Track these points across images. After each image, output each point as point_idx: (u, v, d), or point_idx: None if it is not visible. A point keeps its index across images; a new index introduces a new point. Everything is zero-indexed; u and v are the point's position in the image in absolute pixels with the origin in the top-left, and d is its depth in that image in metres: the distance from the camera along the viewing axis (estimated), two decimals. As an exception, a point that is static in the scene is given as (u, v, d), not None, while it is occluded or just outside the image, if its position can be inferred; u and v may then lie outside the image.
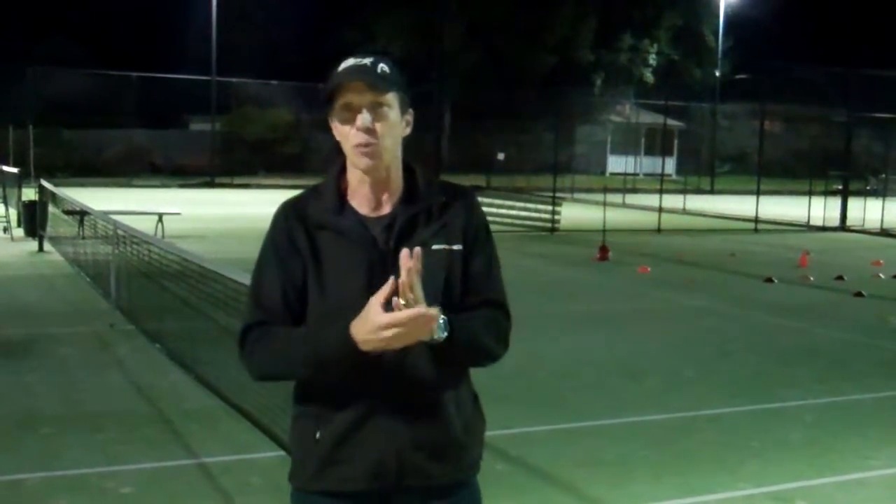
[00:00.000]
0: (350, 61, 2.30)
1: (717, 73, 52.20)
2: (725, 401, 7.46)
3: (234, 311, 7.08)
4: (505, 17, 49.17)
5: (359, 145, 2.26)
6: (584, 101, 47.87)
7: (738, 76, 48.93)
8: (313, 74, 44.96)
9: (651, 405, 7.28)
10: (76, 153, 37.79)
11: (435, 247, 2.32)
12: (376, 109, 2.26)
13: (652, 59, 55.97)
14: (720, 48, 53.71)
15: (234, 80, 42.32)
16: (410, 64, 46.57)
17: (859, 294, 13.01)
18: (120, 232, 10.15)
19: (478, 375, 2.48)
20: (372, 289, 2.19)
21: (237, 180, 37.77)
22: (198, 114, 43.83)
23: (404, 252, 2.12)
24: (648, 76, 55.30)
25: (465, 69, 47.81)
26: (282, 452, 5.71)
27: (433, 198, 2.38)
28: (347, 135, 2.28)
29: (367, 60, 2.29)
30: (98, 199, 20.02)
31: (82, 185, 30.05)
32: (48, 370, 7.82)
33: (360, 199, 2.35)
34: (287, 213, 2.38)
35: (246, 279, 6.04)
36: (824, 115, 36.62)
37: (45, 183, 16.65)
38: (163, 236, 15.59)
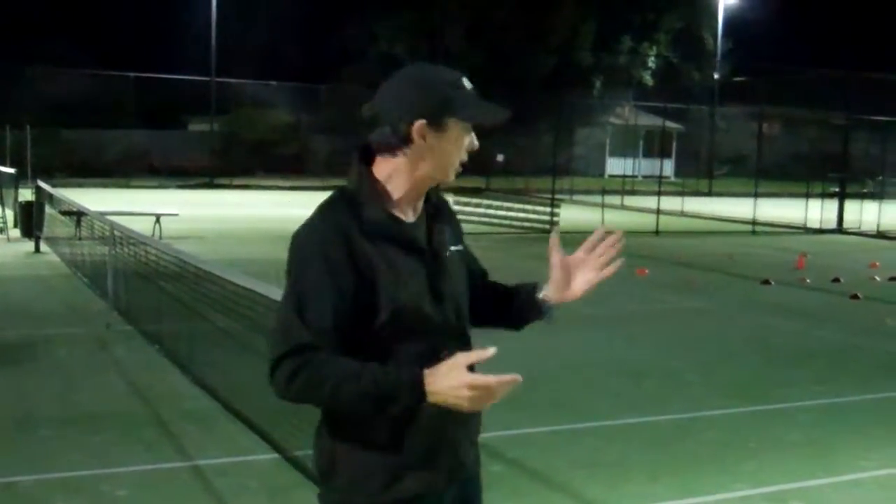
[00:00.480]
0: (468, 83, 2.33)
1: (716, 76, 52.24)
2: (723, 402, 7.46)
3: (232, 312, 7.09)
4: (506, 19, 49.21)
5: (460, 164, 2.34)
6: (583, 103, 47.89)
7: (736, 79, 49.03)
8: (313, 75, 45.30)
9: (649, 406, 7.28)
10: (75, 154, 37.73)
11: (454, 249, 2.42)
12: None
13: (651, 62, 56.02)
14: (719, 51, 53.75)
15: (233, 80, 42.31)
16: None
17: (856, 296, 13.01)
18: (116, 233, 10.14)
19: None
20: (436, 298, 2.28)
21: (236, 181, 37.77)
22: (197, 114, 43.81)
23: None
24: (648, 79, 55.35)
25: (466, 71, 47.75)
26: (278, 455, 5.72)
27: (436, 204, 2.43)
28: (459, 151, 2.33)
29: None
30: (95, 199, 20.01)
31: (81, 185, 30.04)
32: (45, 371, 7.82)
33: (402, 206, 2.32)
34: (339, 223, 2.21)
35: (244, 281, 6.05)
36: (822, 117, 36.62)
37: (41, 183, 16.64)
38: (160, 237, 15.58)
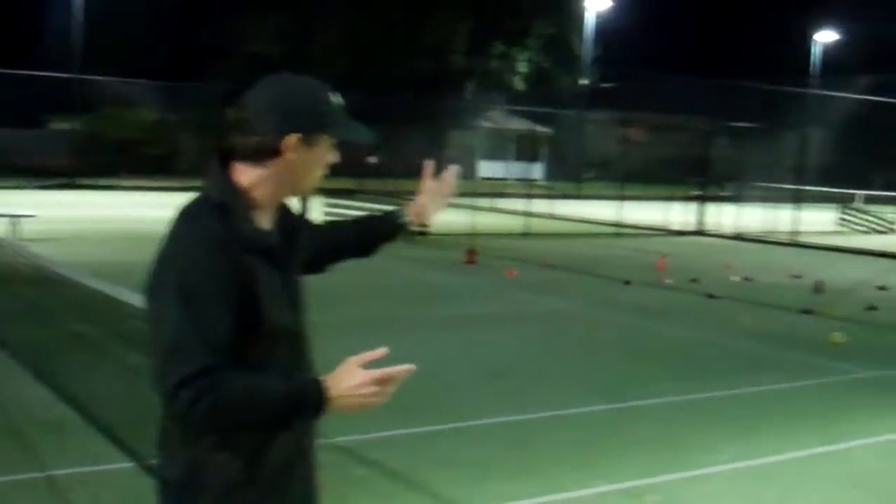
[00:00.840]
0: (340, 99, 2.34)
1: (585, 82, 53.35)
2: (583, 400, 7.64)
3: (87, 316, 6.91)
4: (378, 21, 49.20)
5: (320, 177, 2.36)
6: (455, 106, 48.28)
7: (604, 85, 50.19)
8: (180, 74, 44.29)
9: (510, 406, 7.40)
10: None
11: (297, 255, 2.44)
12: None
13: (522, 67, 56.86)
14: (588, 57, 54.92)
15: (95, 77, 41.04)
16: (281, 65, 46.22)
17: (712, 296, 13.51)
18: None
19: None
20: (294, 307, 2.31)
21: (100, 182, 36.66)
22: (58, 113, 42.35)
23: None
24: (519, 83, 56.16)
25: (337, 72, 47.62)
26: (133, 464, 5.60)
27: (287, 209, 2.45)
28: (323, 166, 2.34)
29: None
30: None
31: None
32: None
33: (262, 217, 2.29)
34: (218, 236, 2.15)
35: (100, 285, 5.90)
36: (685, 123, 37.88)
37: None
38: (16, 239, 15.02)
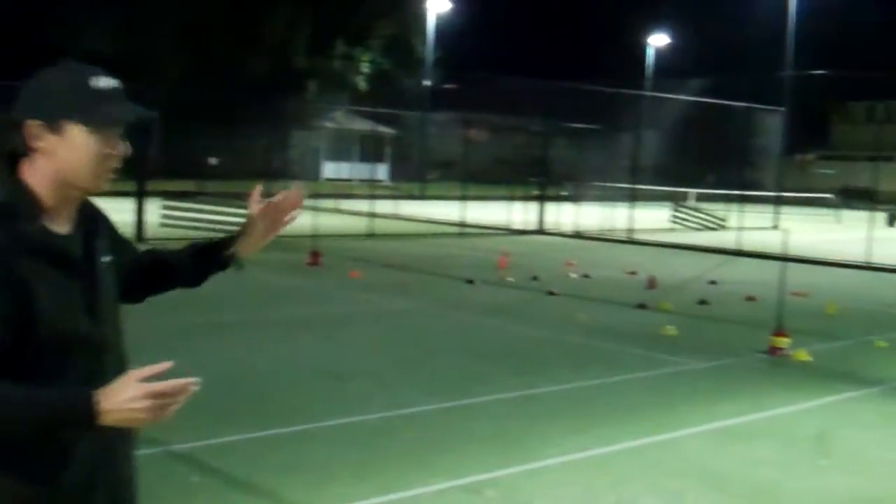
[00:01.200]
0: (111, 81, 2.20)
1: (427, 82, 53.83)
2: (424, 399, 7.73)
3: None
4: (218, 19, 48.33)
5: (111, 169, 2.20)
6: (298, 106, 47.91)
7: (445, 86, 50.78)
8: (14, 72, 42.26)
9: (353, 407, 7.41)
10: None
11: (106, 260, 2.30)
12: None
13: (365, 67, 56.91)
14: (428, 58, 55.42)
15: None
16: (117, 63, 44.69)
17: (552, 293, 13.88)
18: None
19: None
20: (92, 314, 2.17)
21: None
22: None
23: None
24: (362, 83, 56.19)
25: (177, 71, 46.52)
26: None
27: (93, 211, 2.34)
28: (92, 157, 2.15)
29: (117, 83, 2.22)
30: None
31: None
32: None
33: (54, 217, 2.18)
34: None
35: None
36: (524, 124, 38.69)
37: None
38: None
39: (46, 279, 2.10)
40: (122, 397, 2.00)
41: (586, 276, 16.26)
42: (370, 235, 22.97)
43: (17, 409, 2.02)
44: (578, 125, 37.21)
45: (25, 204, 2.13)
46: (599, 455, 6.50)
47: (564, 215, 27.54)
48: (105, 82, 2.19)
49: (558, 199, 30.60)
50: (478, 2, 58.42)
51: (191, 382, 2.04)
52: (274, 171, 35.89)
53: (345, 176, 43.27)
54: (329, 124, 50.76)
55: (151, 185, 21.73)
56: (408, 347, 9.94)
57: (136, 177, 20.20)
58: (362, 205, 28.71)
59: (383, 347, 9.87)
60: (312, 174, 48.04)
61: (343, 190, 36.15)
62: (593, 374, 8.90)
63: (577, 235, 25.77)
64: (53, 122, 2.13)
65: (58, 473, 2.14)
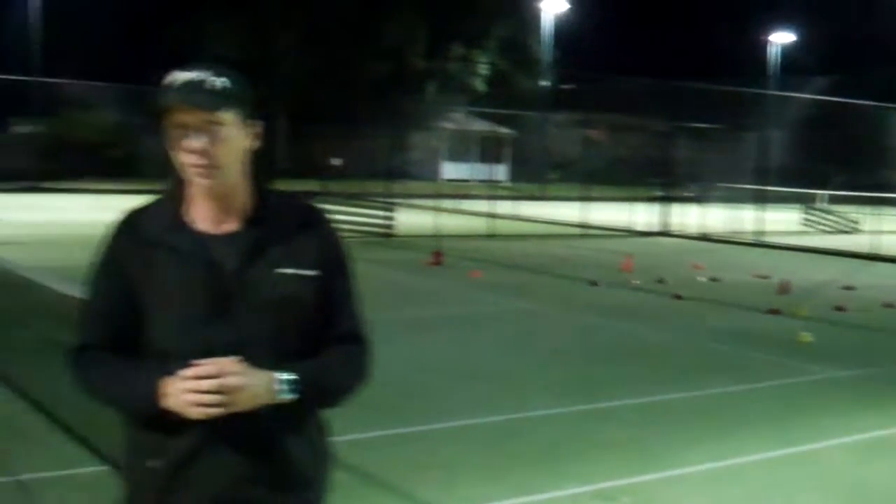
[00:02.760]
0: (179, 77, 2.14)
1: (544, 83, 53.57)
2: (553, 402, 7.65)
3: (56, 319, 6.81)
4: (339, 24, 49.11)
5: (192, 165, 2.13)
6: (417, 107, 48.29)
7: (564, 86, 50.43)
8: (142, 76, 43.83)
9: (481, 408, 7.39)
10: None
11: (283, 270, 2.19)
12: (210, 128, 2.12)
13: (483, 69, 56.99)
14: (546, 59, 55.16)
15: (58, 80, 40.64)
16: (244, 67, 45.86)
17: (679, 296, 13.60)
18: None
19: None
20: (215, 316, 2.12)
21: (63, 185, 36.33)
22: (20, 115, 41.88)
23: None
24: (480, 85, 56.28)
25: (301, 74, 47.51)
26: (105, 467, 5.53)
27: (284, 218, 2.26)
28: (177, 151, 2.15)
29: (197, 76, 2.13)
30: None
31: None
32: None
33: (201, 214, 2.19)
34: (119, 228, 2.21)
35: (64, 287, 5.83)
36: (646, 124, 38.12)
37: None
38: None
39: (170, 276, 2.15)
40: (175, 385, 2.04)
41: (714, 279, 15.90)
42: (490, 236, 22.97)
43: (112, 383, 2.18)
44: (701, 125, 36.47)
45: (166, 197, 2.23)
46: (734, 465, 6.31)
47: (688, 217, 27.02)
48: (176, 77, 2.16)
49: (682, 200, 30.02)
50: (596, 1, 57.81)
51: (229, 362, 2.02)
52: (394, 172, 36.25)
53: (464, 176, 43.40)
54: (448, 125, 50.99)
55: (278, 186, 22.16)
56: (533, 349, 9.87)
57: (263, 178, 20.66)
58: (482, 205, 28.73)
59: (508, 348, 9.83)
60: (432, 175, 48.36)
61: (462, 190, 36.26)
62: (725, 380, 8.67)
63: (703, 237, 25.23)
64: (156, 116, 2.16)
65: (162, 445, 2.18)
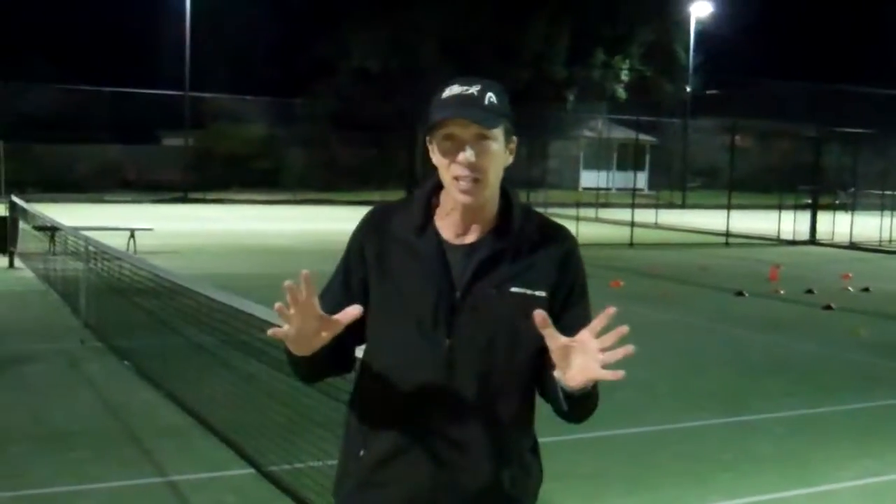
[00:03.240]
0: (456, 89, 2.16)
1: (688, 89, 52.62)
2: (698, 414, 7.50)
3: (207, 326, 7.07)
4: (479, 33, 49.39)
5: (459, 178, 2.13)
6: (557, 116, 48.09)
7: (708, 92, 49.38)
8: (287, 89, 45.26)
9: (624, 419, 7.28)
10: (48, 168, 37.55)
11: (513, 289, 2.17)
12: (481, 143, 2.13)
13: (624, 75, 56.36)
14: (691, 64, 54.17)
15: (206, 95, 42.24)
16: (385, 79, 46.82)
17: (829, 307, 13.12)
18: (91, 248, 10.08)
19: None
20: (437, 324, 2.15)
21: (211, 196, 37.71)
22: (171, 129, 43.70)
23: None
24: (621, 92, 55.65)
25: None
26: (253, 470, 5.69)
27: (525, 234, 2.23)
28: (448, 166, 2.15)
29: (475, 90, 2.16)
30: (69, 214, 19.85)
31: (54, 200, 29.79)
32: (17, 388, 7.75)
33: (447, 222, 2.22)
34: (368, 220, 2.29)
35: (218, 295, 6.04)
36: (794, 130, 36.94)
37: (15, 198, 16.51)
38: (135, 252, 15.48)
39: (405, 274, 2.20)
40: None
41: (866, 289, 15.28)
42: (630, 245, 22.67)
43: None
44: (852, 130, 35.12)
45: (415, 200, 2.26)
46: (889, 482, 6.05)
47: (838, 225, 26.05)
48: (450, 91, 2.18)
49: (832, 207, 28.95)
50: (740, 4, 56.36)
51: (303, 274, 2.01)
52: (533, 181, 36.21)
53: (603, 185, 42.94)
54: (588, 133, 50.58)
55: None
56: (677, 360, 9.69)
57: (406, 186, 20.92)
58: (621, 214, 28.40)
59: (651, 359, 9.64)
60: (571, 183, 48.07)
61: (601, 199, 35.93)
62: (879, 395, 8.33)
63: (854, 246, 24.28)
64: (428, 135, 2.19)
65: (364, 445, 2.25)
